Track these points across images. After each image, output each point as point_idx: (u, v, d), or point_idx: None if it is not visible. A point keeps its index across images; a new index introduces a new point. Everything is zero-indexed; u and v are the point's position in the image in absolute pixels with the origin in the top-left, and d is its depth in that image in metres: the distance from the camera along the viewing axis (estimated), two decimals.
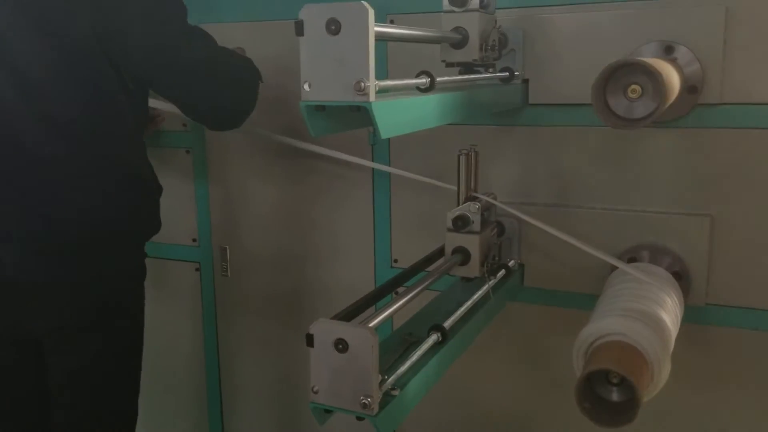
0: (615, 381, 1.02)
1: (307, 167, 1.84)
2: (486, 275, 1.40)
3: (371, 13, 0.83)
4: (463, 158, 1.37)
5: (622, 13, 1.41)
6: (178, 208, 2.02)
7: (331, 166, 1.79)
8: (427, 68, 1.03)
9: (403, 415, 1.02)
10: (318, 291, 1.91)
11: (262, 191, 1.93)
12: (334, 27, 0.85)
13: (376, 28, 0.86)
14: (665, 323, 1.12)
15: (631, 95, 0.98)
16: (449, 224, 1.37)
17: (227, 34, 1.74)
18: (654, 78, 0.92)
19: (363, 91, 0.84)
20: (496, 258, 1.50)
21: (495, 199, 1.42)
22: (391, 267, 1.77)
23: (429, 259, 1.44)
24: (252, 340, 2.04)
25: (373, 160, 1.73)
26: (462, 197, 1.39)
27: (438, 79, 1.03)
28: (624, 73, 0.96)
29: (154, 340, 2.14)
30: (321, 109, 0.90)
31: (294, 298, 1.94)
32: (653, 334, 1.07)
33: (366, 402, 0.94)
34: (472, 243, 1.35)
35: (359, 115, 0.88)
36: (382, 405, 0.96)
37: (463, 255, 1.37)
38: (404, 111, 0.95)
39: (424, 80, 1.01)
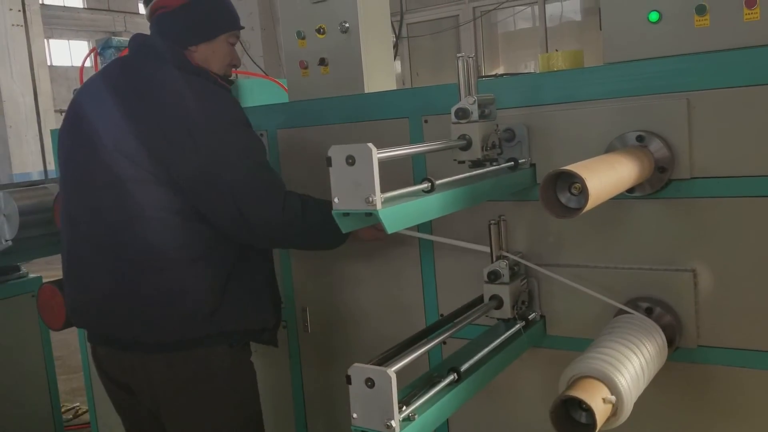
0: (584, 407, 1.32)
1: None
2: (516, 318, 1.81)
3: (374, 151, 1.22)
4: (493, 227, 1.79)
5: (604, 108, 1.74)
6: None
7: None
8: None
9: None
10: (381, 342, 2.26)
11: (333, 262, 2.33)
12: (350, 161, 1.24)
13: (378, 155, 1.24)
14: (634, 366, 1.41)
15: (573, 191, 1.31)
16: (485, 278, 1.79)
17: None
18: (582, 182, 1.25)
19: (372, 203, 1.23)
20: (525, 303, 1.86)
21: (522, 257, 1.79)
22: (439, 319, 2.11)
23: (467, 308, 1.81)
24: (329, 385, 2.42)
25: (418, 231, 2.09)
26: (494, 256, 1.79)
27: (437, 182, 1.41)
28: (568, 174, 1.28)
29: None
30: (346, 215, 1.29)
31: (363, 348, 2.31)
32: (622, 375, 1.36)
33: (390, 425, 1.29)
34: (503, 291, 1.77)
35: (373, 217, 1.27)
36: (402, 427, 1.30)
37: (497, 301, 1.78)
38: (405, 211, 1.32)
39: (426, 185, 1.39)
